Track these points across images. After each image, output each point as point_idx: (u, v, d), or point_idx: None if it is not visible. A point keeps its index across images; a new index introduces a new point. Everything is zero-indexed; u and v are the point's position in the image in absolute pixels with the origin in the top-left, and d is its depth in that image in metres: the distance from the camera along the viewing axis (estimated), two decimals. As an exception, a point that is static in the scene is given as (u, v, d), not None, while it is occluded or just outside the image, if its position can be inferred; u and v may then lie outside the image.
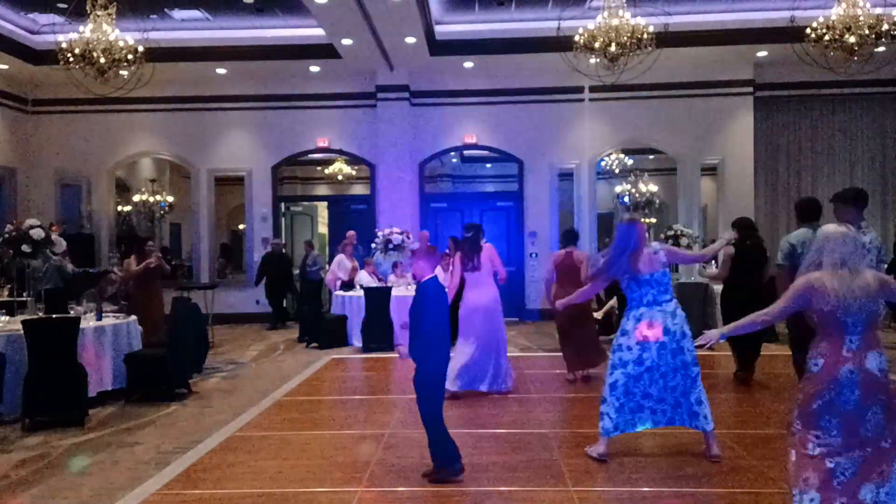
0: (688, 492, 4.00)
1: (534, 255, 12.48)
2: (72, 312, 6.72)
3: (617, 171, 16.02)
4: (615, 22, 8.02)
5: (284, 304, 12.49)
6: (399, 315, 9.74)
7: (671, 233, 10.51)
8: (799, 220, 5.60)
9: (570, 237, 7.31)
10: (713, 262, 7.85)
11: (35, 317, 6.43)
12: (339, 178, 16.26)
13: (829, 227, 3.30)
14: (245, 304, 12.73)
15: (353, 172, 16.08)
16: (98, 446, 5.18)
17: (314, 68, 12.18)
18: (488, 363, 6.50)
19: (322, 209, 16.20)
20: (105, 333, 6.61)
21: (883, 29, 7.84)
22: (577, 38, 8.28)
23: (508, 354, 6.86)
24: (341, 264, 10.59)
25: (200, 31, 11.27)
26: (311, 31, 10.96)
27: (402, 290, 10.05)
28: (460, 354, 6.41)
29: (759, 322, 3.35)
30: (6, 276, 8.84)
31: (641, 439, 5.08)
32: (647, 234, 4.67)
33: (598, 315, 9.43)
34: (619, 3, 8.11)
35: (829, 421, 3.07)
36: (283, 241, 12.86)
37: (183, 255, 15.21)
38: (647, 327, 4.38)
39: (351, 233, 10.96)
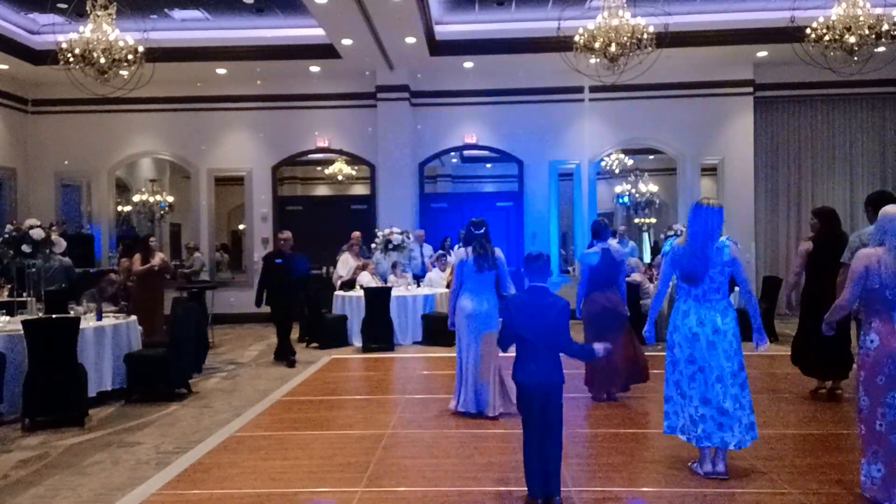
0: (688, 492, 4.00)
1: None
2: (72, 312, 6.72)
3: (617, 171, 16.04)
4: (615, 22, 8.01)
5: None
6: (399, 315, 9.76)
7: (671, 233, 10.50)
8: (874, 213, 4.91)
9: (603, 231, 6.30)
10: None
11: (35, 317, 6.44)
12: (339, 178, 16.27)
13: (893, 208, 3.48)
14: (245, 304, 12.69)
15: (353, 172, 16.08)
16: (98, 446, 5.17)
17: (314, 68, 12.17)
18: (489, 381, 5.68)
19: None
20: (105, 333, 6.60)
21: (883, 29, 7.82)
22: (576, 38, 8.26)
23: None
24: (345, 264, 10.61)
25: (200, 31, 11.25)
26: (311, 31, 10.96)
27: (402, 290, 10.05)
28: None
29: (838, 314, 3.62)
30: (6, 276, 8.83)
31: (641, 439, 5.08)
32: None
33: None
34: (619, 3, 8.10)
35: (894, 397, 3.34)
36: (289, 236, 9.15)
37: (183, 255, 15.20)
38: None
39: (356, 233, 10.98)
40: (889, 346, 3.42)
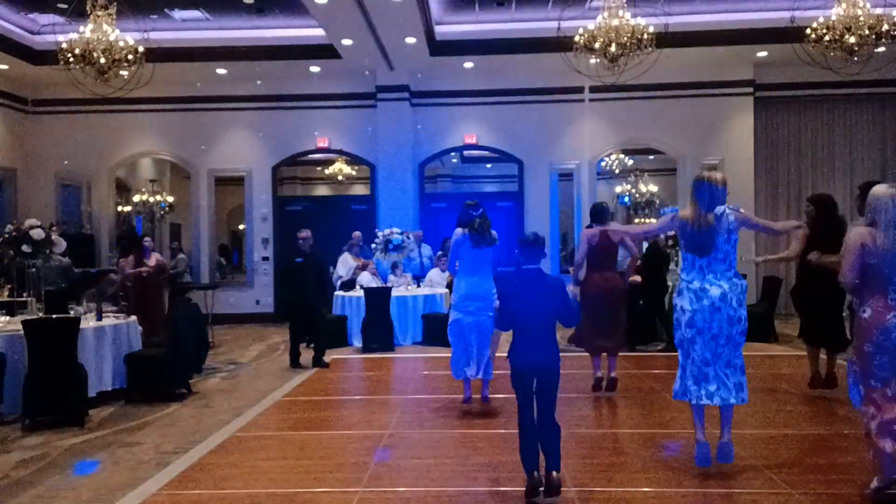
0: (688, 492, 4.00)
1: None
2: (72, 312, 6.72)
3: (617, 171, 16.06)
4: (615, 22, 8.02)
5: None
6: (399, 315, 9.76)
7: (673, 232, 10.49)
8: (864, 201, 5.18)
9: (602, 214, 6.43)
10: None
11: (35, 317, 6.44)
12: (339, 178, 16.30)
13: (881, 188, 3.77)
14: (245, 304, 12.75)
15: (353, 172, 16.11)
16: (98, 446, 5.17)
17: (314, 68, 12.17)
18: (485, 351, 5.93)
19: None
20: (105, 333, 6.60)
21: (883, 29, 7.83)
22: (577, 38, 8.27)
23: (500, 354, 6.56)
24: (345, 264, 10.62)
25: (200, 31, 11.25)
26: (311, 31, 10.95)
27: (402, 291, 10.05)
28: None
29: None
30: (6, 276, 8.84)
31: (640, 439, 5.09)
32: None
33: None
34: (619, 4, 8.11)
35: (881, 359, 3.67)
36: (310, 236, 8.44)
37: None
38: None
39: (357, 233, 11.00)
40: (879, 319, 3.67)
